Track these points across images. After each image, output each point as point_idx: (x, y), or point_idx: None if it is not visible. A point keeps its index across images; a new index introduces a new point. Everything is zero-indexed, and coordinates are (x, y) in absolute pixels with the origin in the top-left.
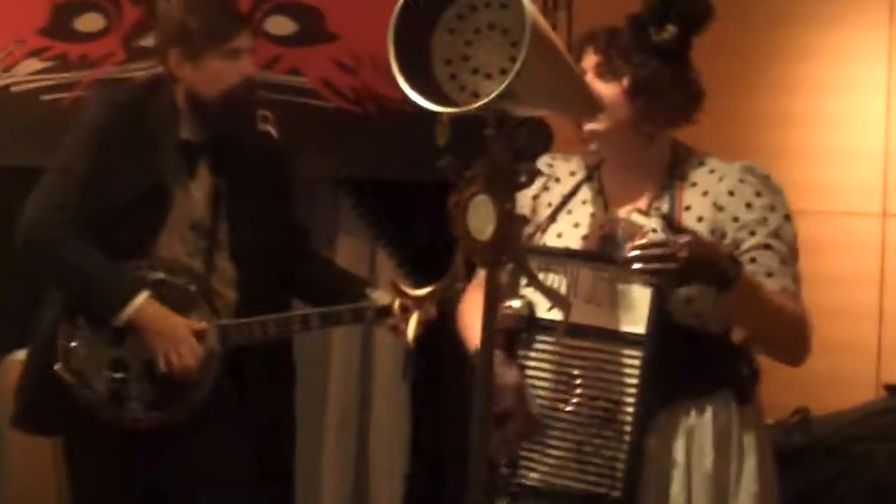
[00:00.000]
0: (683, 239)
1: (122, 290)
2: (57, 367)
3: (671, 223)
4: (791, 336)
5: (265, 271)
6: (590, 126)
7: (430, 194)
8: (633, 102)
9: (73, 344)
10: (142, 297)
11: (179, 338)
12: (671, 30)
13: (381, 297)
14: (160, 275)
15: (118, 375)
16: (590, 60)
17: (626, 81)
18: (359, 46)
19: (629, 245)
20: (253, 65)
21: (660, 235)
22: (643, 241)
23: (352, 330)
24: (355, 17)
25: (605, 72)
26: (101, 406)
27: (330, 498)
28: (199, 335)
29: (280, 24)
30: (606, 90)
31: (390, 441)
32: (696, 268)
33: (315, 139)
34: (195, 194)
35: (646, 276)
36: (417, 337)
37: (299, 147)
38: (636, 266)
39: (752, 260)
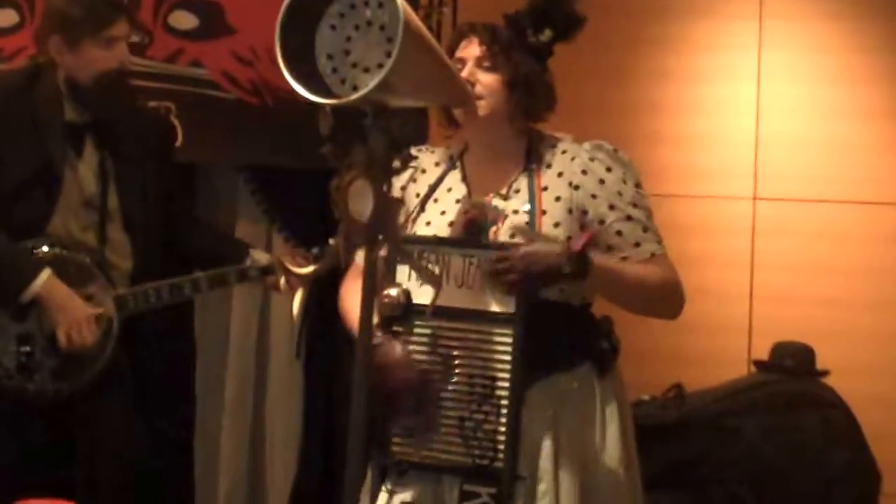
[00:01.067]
0: (521, 252)
1: (26, 269)
2: None
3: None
4: (658, 298)
5: (156, 240)
6: (470, 110)
7: (324, 182)
8: (510, 94)
9: None
10: (45, 275)
11: (79, 316)
12: (548, 34)
13: (262, 256)
14: (56, 250)
15: (25, 349)
16: (471, 51)
17: (505, 75)
18: (256, 40)
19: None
20: (126, 52)
21: (500, 254)
22: (494, 261)
23: (250, 309)
24: (253, 12)
25: (486, 64)
26: (9, 379)
27: (227, 468)
28: (98, 316)
29: (182, 19)
30: (487, 79)
31: (286, 415)
32: (541, 277)
33: (216, 128)
34: (84, 172)
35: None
36: (301, 311)
37: (201, 135)
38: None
39: (619, 233)
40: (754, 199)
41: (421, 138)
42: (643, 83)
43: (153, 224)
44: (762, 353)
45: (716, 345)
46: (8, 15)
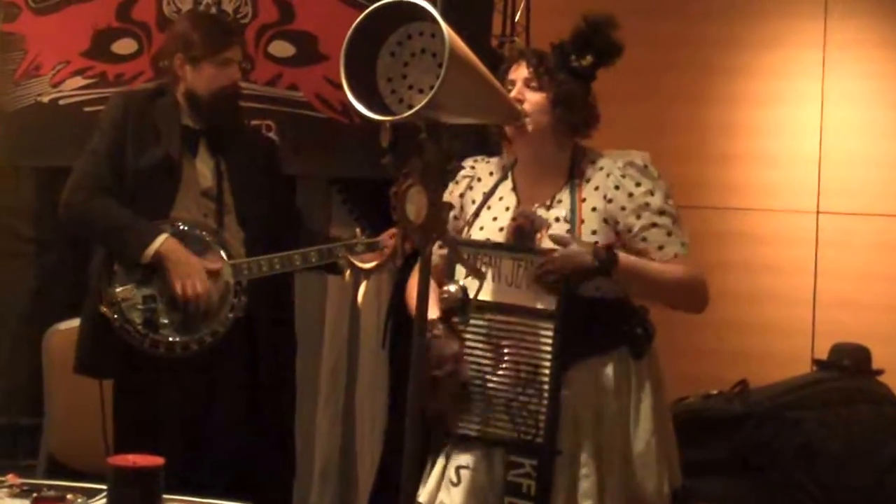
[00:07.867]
0: (557, 255)
1: (147, 233)
2: (102, 308)
3: (563, 239)
4: (680, 294)
5: (266, 239)
6: (519, 125)
7: None
8: (553, 110)
9: (111, 287)
10: (163, 237)
11: (193, 271)
12: (589, 59)
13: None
14: (178, 227)
15: (149, 306)
16: (521, 72)
17: (550, 94)
18: None
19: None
20: (239, 72)
21: (545, 258)
22: (539, 266)
23: (342, 304)
24: (343, 41)
25: (533, 84)
26: (138, 335)
27: (322, 447)
28: (214, 273)
29: (281, 48)
30: (533, 98)
31: (373, 400)
32: (573, 272)
33: (310, 144)
34: (200, 167)
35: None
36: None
37: (297, 151)
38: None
39: (644, 239)
40: (817, 213)
41: (468, 149)
42: (717, 106)
43: (264, 224)
44: (823, 353)
45: (781, 345)
46: (128, 44)
